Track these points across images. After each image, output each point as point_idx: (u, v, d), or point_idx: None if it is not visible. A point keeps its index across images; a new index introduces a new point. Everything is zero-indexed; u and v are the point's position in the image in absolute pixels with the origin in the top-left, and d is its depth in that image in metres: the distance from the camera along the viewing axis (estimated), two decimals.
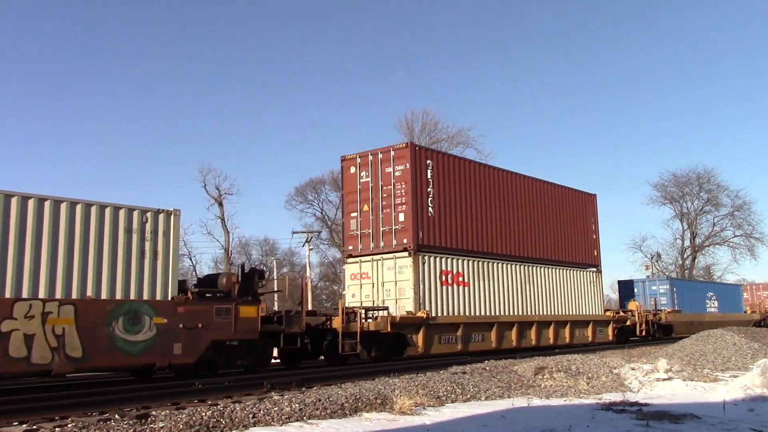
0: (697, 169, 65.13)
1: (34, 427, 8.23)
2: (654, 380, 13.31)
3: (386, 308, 18.47)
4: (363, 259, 20.35)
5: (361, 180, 20.65)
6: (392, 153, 20.06)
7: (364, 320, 17.52)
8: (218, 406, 9.21)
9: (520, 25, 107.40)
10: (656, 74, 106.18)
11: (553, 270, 25.28)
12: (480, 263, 21.82)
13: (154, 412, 8.79)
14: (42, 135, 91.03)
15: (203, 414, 8.40)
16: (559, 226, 26.19)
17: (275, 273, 54.21)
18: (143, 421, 8.11)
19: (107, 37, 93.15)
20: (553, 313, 24.74)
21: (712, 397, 11.31)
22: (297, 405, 9.14)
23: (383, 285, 19.72)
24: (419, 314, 18.78)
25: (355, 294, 20.38)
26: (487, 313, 21.61)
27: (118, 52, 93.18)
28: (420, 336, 18.77)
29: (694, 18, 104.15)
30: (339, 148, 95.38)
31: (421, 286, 19.21)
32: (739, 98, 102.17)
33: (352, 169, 20.93)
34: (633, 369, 14.42)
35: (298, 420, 8.59)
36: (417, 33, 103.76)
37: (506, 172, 24.16)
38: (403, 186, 19.72)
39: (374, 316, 18.17)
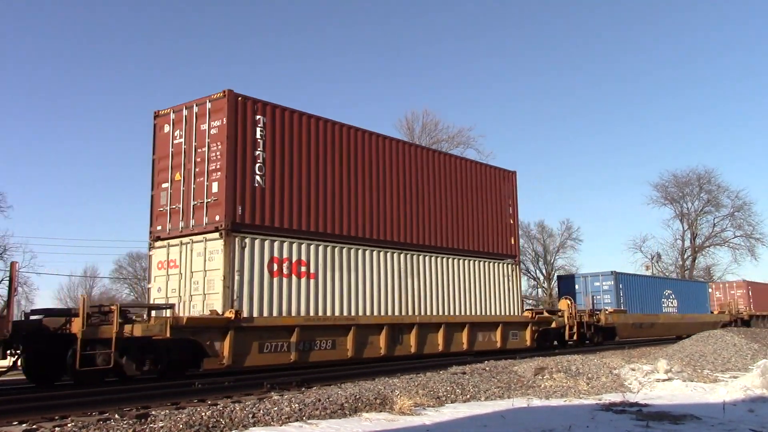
0: (697, 170, 65.20)
1: (34, 426, 8.23)
2: (654, 381, 13.32)
3: (171, 306, 13.89)
4: (171, 242, 15.67)
5: (174, 141, 15.96)
6: (208, 105, 15.37)
7: (127, 323, 12.69)
8: (218, 406, 9.22)
9: (521, 25, 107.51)
10: (657, 74, 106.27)
11: (449, 260, 20.35)
12: (336, 250, 16.77)
13: (153, 412, 8.80)
14: (41, 135, 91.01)
15: (203, 414, 8.41)
16: (461, 208, 21.22)
17: None
18: (143, 420, 8.12)
19: (106, 36, 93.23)
20: (445, 313, 19.88)
21: (712, 398, 11.32)
22: (297, 405, 9.15)
23: (192, 276, 15.11)
24: (226, 314, 14.15)
25: (161, 288, 15.71)
26: (343, 313, 16.64)
27: (117, 51, 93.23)
28: (226, 343, 14.02)
29: (694, 18, 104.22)
30: None
31: (236, 277, 14.59)
32: (740, 98, 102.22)
33: (166, 128, 16.22)
34: (633, 369, 14.44)
35: (297, 420, 8.60)
36: (418, 33, 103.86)
37: (381, 137, 18.87)
38: (219, 147, 15.06)
39: (142, 317, 13.23)
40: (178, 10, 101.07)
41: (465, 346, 20.07)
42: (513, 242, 23.48)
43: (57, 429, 7.95)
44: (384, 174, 18.73)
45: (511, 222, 23.57)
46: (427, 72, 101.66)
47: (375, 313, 17.60)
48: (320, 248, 16.47)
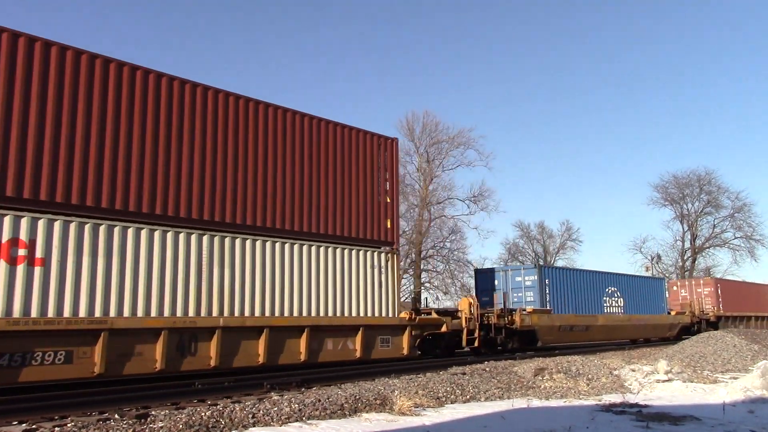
0: (697, 171, 65.38)
1: (34, 426, 8.24)
2: (654, 382, 13.33)
3: None
4: None
5: None
6: None
7: None
8: (218, 406, 9.23)
9: (521, 25, 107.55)
10: (657, 75, 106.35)
11: (291, 247, 15.20)
12: (92, 229, 11.95)
13: (153, 412, 8.81)
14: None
15: (203, 414, 8.42)
16: (314, 181, 16.19)
17: None
18: (143, 421, 8.12)
19: (105, 34, 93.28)
20: (284, 315, 14.81)
21: (712, 399, 11.33)
22: (296, 405, 9.16)
23: None
24: None
25: None
26: (94, 314, 11.72)
27: (117, 50, 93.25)
28: None
29: (695, 19, 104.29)
30: None
31: None
32: (740, 100, 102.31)
33: None
34: (633, 370, 14.45)
35: (297, 420, 8.60)
36: (418, 34, 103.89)
37: (189, 84, 14.03)
38: None
39: None
40: (177, 11, 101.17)
41: (303, 357, 14.88)
42: (390, 226, 18.12)
43: (57, 429, 7.96)
44: (186, 132, 13.78)
45: (388, 201, 18.25)
46: (428, 73, 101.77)
47: (155, 314, 12.56)
48: (55, 225, 11.51)
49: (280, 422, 8.46)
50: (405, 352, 17.85)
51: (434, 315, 19.92)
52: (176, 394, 11.25)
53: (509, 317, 23.35)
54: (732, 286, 42.94)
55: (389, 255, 17.98)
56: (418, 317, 18.65)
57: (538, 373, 13.90)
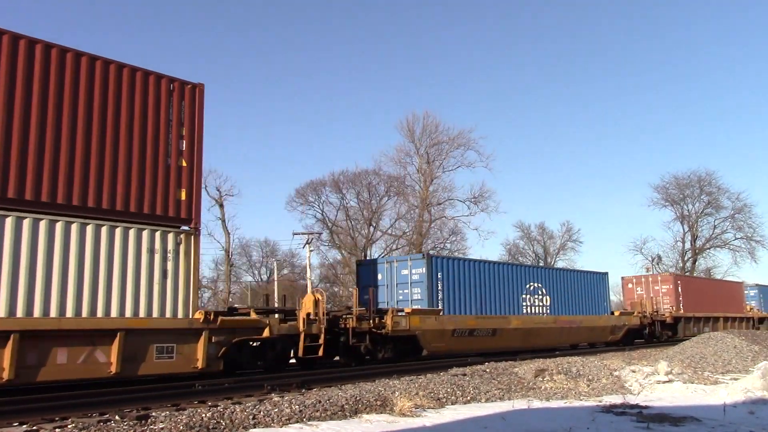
0: (698, 172, 65.35)
1: (35, 427, 8.24)
2: (654, 383, 13.34)
3: None
4: None
5: None
6: None
7: None
8: (218, 408, 9.23)
9: (521, 26, 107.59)
10: (658, 76, 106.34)
11: (9, 222, 10.97)
12: None
13: (154, 413, 8.82)
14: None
15: (203, 415, 8.43)
16: (65, 135, 11.96)
17: (275, 274, 54.39)
18: (143, 422, 8.13)
19: (104, 32, 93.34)
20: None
21: (713, 400, 11.33)
22: (297, 406, 9.17)
23: None
24: None
25: None
26: None
27: (116, 49, 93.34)
28: None
29: (696, 20, 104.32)
30: (340, 150, 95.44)
31: None
32: (741, 100, 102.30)
33: None
34: (633, 371, 14.44)
35: (298, 421, 8.61)
36: (418, 34, 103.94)
37: None
38: None
39: None
40: (177, 11, 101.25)
41: (6, 375, 10.55)
42: (184, 198, 13.55)
43: (57, 430, 7.97)
44: None
45: (184, 165, 13.69)
46: (428, 73, 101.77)
47: None
48: None
49: (280, 423, 8.47)
50: (200, 365, 13.10)
51: (253, 315, 14.88)
52: (177, 395, 11.25)
53: (375, 320, 18.13)
54: (696, 283, 37.94)
55: (182, 236, 13.30)
56: (220, 318, 13.63)
57: (539, 374, 13.90)
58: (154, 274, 12.80)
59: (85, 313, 11.69)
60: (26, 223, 11.18)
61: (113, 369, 11.88)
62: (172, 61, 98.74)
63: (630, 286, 35.40)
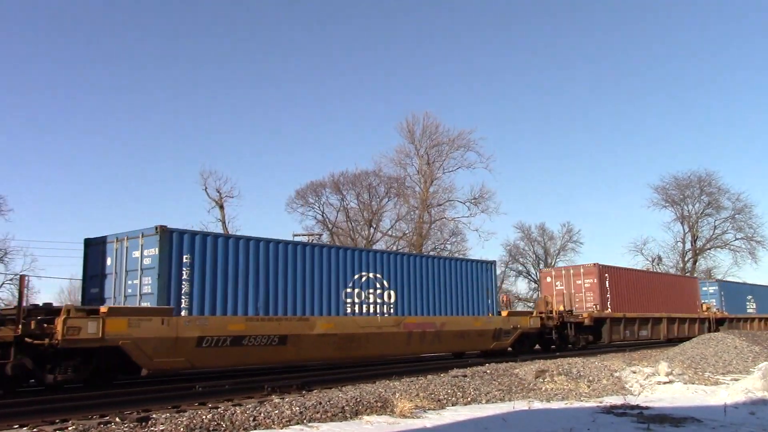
0: (698, 172, 65.08)
1: (35, 430, 8.25)
2: (655, 383, 13.32)
3: None
4: None
5: None
6: None
7: None
8: (219, 409, 9.23)
9: (521, 26, 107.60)
10: (658, 76, 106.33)
11: None
12: None
13: (154, 415, 8.82)
14: (38, 133, 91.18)
15: (204, 417, 8.42)
16: None
17: None
18: (144, 424, 8.12)
19: (105, 35, 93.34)
20: None
21: (713, 401, 11.33)
22: (297, 408, 9.16)
23: None
24: None
25: None
26: None
27: (116, 50, 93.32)
28: None
29: (696, 20, 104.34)
30: (340, 151, 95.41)
31: None
32: (741, 101, 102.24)
33: None
34: (634, 372, 14.42)
35: (298, 423, 8.60)
36: (418, 35, 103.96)
37: None
38: None
39: None
40: (178, 11, 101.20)
41: None
42: None
43: None
44: None
45: None
46: (428, 74, 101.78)
47: None
48: None
49: (281, 425, 8.46)
50: None
51: None
52: (177, 397, 11.26)
53: (33, 323, 11.74)
54: (630, 277, 30.80)
55: None
56: None
57: (539, 376, 13.88)
58: None
59: None
60: None
61: None
62: (172, 62, 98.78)
63: (549, 279, 29.07)
